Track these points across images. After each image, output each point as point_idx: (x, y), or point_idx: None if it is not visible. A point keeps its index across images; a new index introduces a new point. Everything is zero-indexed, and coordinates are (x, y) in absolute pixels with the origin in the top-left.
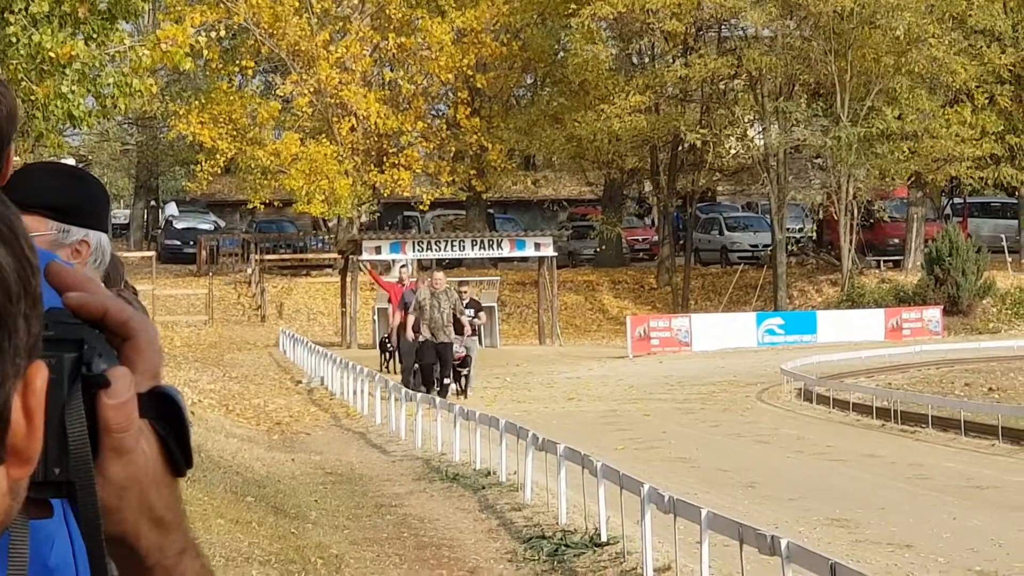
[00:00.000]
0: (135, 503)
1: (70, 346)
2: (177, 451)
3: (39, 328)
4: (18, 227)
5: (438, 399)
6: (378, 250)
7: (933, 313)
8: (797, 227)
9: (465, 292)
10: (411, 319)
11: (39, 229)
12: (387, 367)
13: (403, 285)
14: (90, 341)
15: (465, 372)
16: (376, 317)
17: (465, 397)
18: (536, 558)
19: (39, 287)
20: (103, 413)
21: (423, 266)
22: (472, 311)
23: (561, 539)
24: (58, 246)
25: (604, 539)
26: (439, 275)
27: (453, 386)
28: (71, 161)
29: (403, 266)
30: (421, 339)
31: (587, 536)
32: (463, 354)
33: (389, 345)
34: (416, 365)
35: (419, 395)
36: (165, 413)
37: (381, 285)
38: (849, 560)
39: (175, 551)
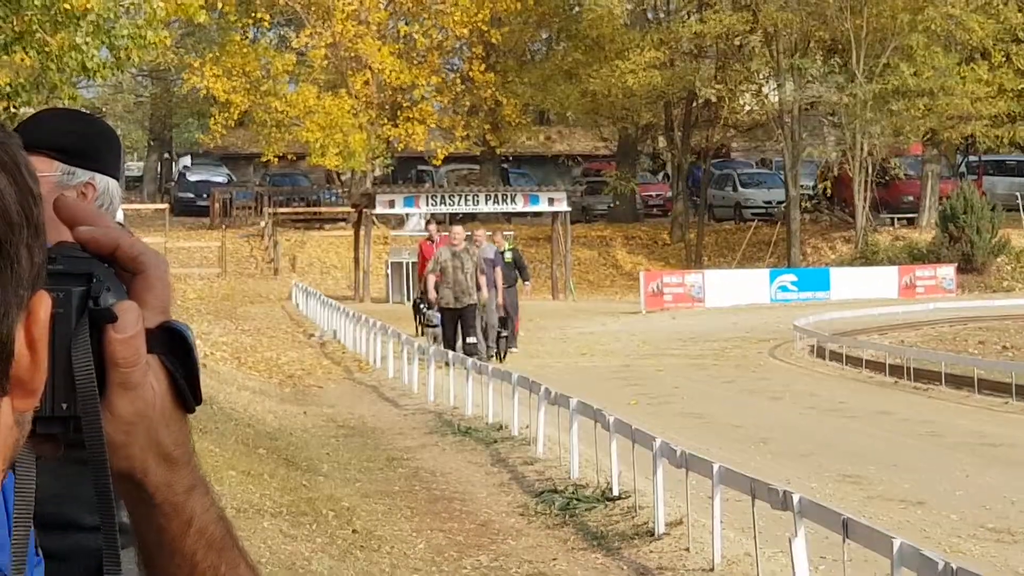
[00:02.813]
0: (143, 439)
1: (78, 280)
2: (186, 387)
3: (42, 258)
4: (19, 155)
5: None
6: (391, 204)
7: (947, 271)
8: (809, 184)
9: (495, 242)
10: (431, 281)
11: (44, 170)
12: (422, 331)
13: (433, 242)
14: (99, 275)
15: (505, 334)
16: (389, 271)
17: (501, 361)
18: (548, 512)
19: (42, 216)
20: (110, 347)
21: (437, 220)
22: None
23: (573, 493)
24: (63, 187)
25: (616, 493)
26: (457, 229)
27: (484, 349)
28: None
29: (429, 220)
30: (443, 304)
31: (599, 490)
32: (501, 314)
33: (423, 307)
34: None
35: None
36: (174, 349)
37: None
38: (861, 516)
39: (184, 488)
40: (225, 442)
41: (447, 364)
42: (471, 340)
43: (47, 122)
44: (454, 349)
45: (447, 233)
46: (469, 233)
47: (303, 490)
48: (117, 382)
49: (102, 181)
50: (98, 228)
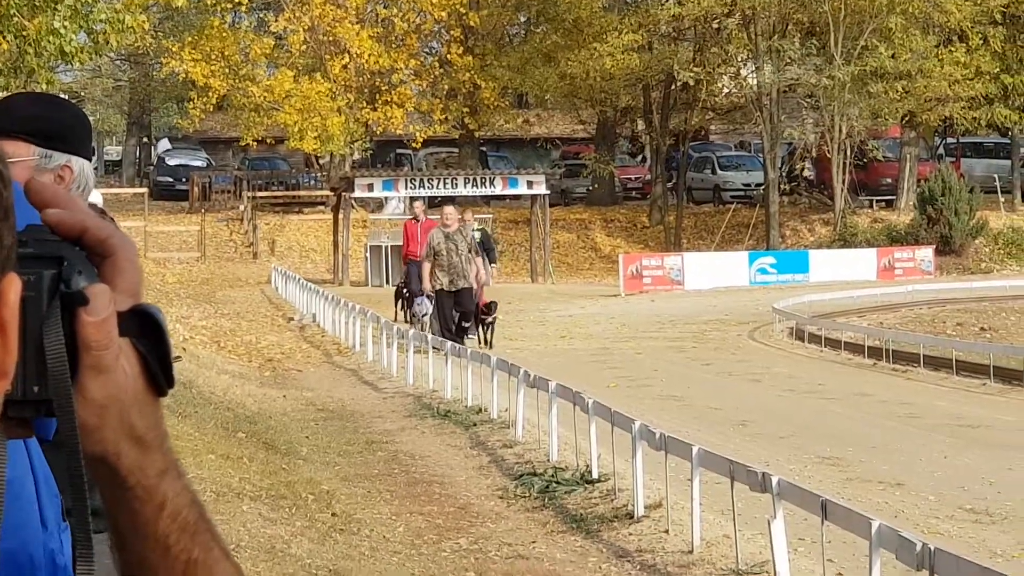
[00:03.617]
0: (115, 422)
1: (49, 263)
2: (158, 370)
3: (11, 240)
4: None
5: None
6: (370, 187)
7: (925, 253)
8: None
9: (471, 223)
10: (427, 268)
11: (22, 154)
12: (407, 318)
13: (418, 222)
14: (70, 258)
15: (491, 319)
16: (368, 254)
17: (490, 347)
18: (527, 495)
19: (11, 198)
20: (82, 330)
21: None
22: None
23: (552, 476)
24: (41, 171)
25: (595, 476)
26: (450, 210)
27: (473, 336)
28: None
29: (414, 200)
30: (438, 287)
31: (578, 473)
32: (487, 300)
33: (406, 292)
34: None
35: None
36: (146, 332)
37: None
38: (840, 498)
39: (157, 471)
40: (204, 426)
41: (429, 348)
42: (467, 324)
43: (21, 107)
44: (451, 331)
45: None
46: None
47: (282, 473)
48: (89, 365)
49: (78, 163)
50: (66, 211)
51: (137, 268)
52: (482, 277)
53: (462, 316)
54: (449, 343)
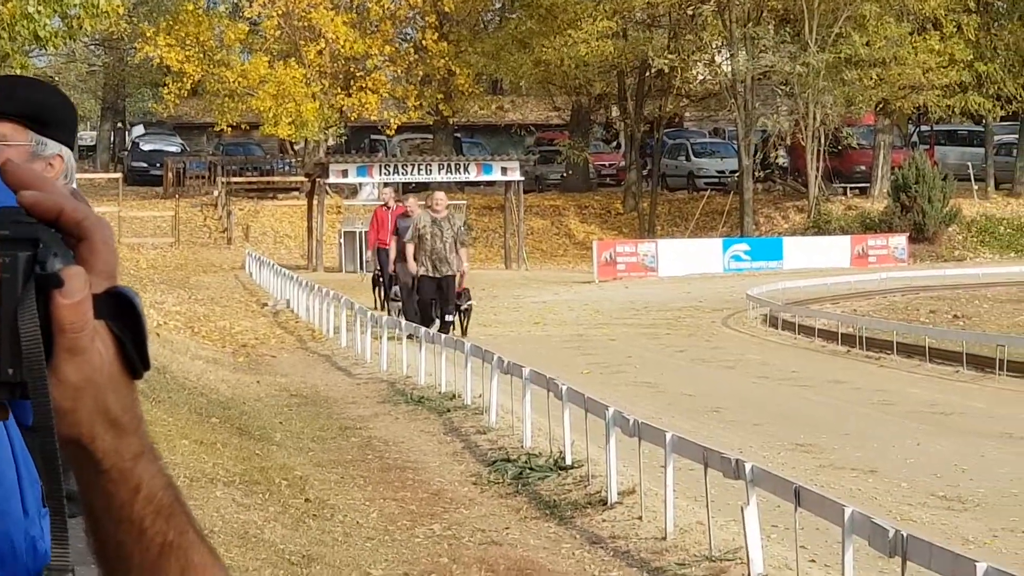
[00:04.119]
0: (90, 405)
1: (24, 245)
2: (134, 353)
3: None
4: None
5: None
6: (344, 173)
7: (899, 240)
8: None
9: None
10: (410, 249)
11: (19, 138)
12: (384, 305)
13: (389, 209)
14: (46, 241)
15: (466, 307)
16: (342, 240)
17: (465, 335)
18: (500, 481)
19: None
20: (57, 312)
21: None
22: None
23: (526, 462)
24: (35, 157)
25: (569, 462)
26: (440, 195)
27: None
28: None
29: (386, 187)
30: (421, 272)
31: (552, 459)
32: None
33: (383, 279)
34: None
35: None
36: (122, 314)
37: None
38: (813, 484)
39: (132, 454)
40: (178, 411)
41: (403, 334)
42: (450, 318)
43: (22, 90)
44: (431, 318)
45: (402, 203)
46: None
47: (256, 459)
48: (64, 348)
49: (67, 153)
50: (42, 193)
51: (113, 250)
52: (464, 267)
53: (444, 308)
54: (423, 329)
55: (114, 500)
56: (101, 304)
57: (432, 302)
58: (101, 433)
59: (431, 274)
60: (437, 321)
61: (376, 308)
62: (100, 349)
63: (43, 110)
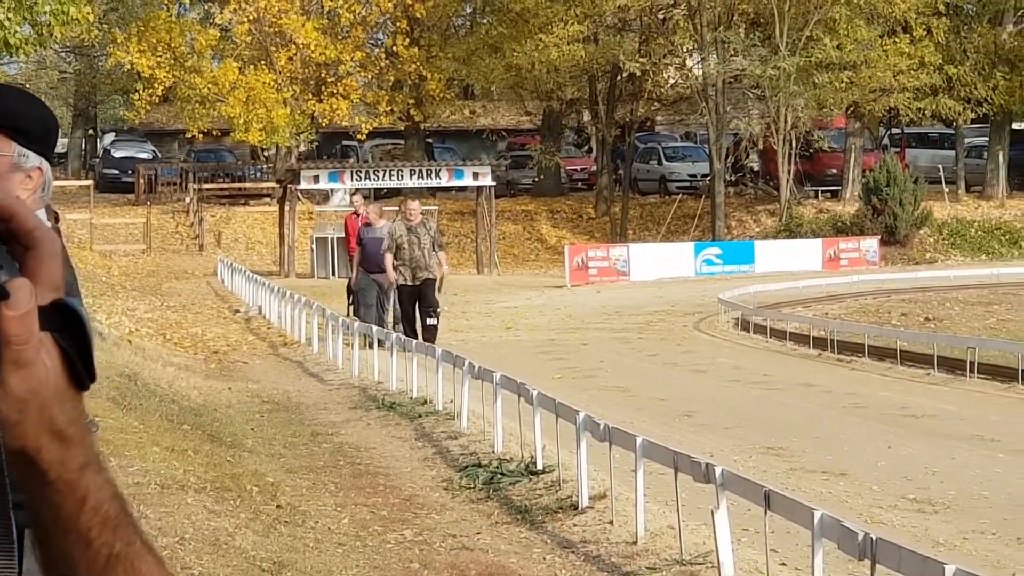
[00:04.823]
0: (36, 417)
1: None
2: (80, 365)
3: None
4: None
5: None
6: (316, 179)
7: (870, 243)
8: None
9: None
10: (388, 259)
11: (3, 149)
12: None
13: (358, 216)
14: None
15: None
16: (314, 246)
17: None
18: (472, 486)
19: None
20: (3, 325)
21: (363, 195)
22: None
23: (497, 467)
24: (16, 169)
25: (540, 467)
26: (414, 205)
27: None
28: None
29: (355, 193)
30: (400, 282)
31: (523, 464)
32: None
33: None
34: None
35: (359, 326)
36: (68, 326)
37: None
38: (784, 488)
39: (77, 465)
40: (149, 418)
41: (375, 340)
42: (431, 322)
43: (7, 100)
44: (412, 327)
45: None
46: (366, 209)
47: (227, 465)
48: (10, 360)
49: (46, 166)
50: None
51: (59, 262)
52: (444, 271)
53: (425, 312)
54: (394, 335)
55: (60, 511)
56: (47, 316)
57: (414, 311)
58: (47, 445)
59: (410, 282)
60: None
61: (349, 315)
62: (46, 361)
63: (28, 122)
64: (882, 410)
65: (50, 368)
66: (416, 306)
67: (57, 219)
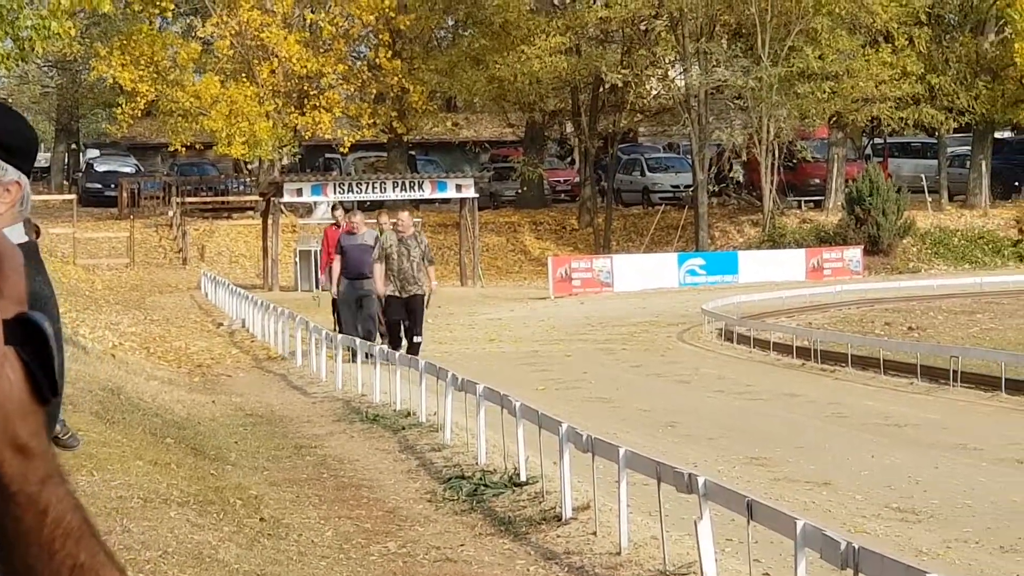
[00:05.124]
0: None
1: None
2: (42, 378)
3: None
4: None
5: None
6: (299, 192)
7: (854, 253)
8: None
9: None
10: (378, 270)
11: None
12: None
13: (339, 228)
14: None
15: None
16: (298, 259)
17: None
18: (455, 498)
19: None
20: None
21: (345, 207)
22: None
23: (480, 479)
24: None
25: (523, 479)
26: (404, 215)
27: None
28: None
29: (335, 207)
30: (388, 292)
31: (506, 476)
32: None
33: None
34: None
35: (341, 338)
36: (31, 340)
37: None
38: (767, 498)
39: (39, 478)
40: (132, 432)
41: (360, 353)
42: (417, 340)
43: None
44: (399, 340)
45: (351, 221)
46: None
47: (211, 479)
48: None
49: (24, 181)
50: None
51: (23, 276)
52: (433, 286)
53: (412, 329)
54: (377, 347)
55: (22, 524)
56: (10, 330)
57: (399, 322)
58: (8, 458)
59: (398, 294)
60: (404, 342)
61: (336, 329)
62: (8, 375)
63: (7, 136)
64: (865, 419)
65: (13, 382)
66: (401, 321)
67: (38, 233)
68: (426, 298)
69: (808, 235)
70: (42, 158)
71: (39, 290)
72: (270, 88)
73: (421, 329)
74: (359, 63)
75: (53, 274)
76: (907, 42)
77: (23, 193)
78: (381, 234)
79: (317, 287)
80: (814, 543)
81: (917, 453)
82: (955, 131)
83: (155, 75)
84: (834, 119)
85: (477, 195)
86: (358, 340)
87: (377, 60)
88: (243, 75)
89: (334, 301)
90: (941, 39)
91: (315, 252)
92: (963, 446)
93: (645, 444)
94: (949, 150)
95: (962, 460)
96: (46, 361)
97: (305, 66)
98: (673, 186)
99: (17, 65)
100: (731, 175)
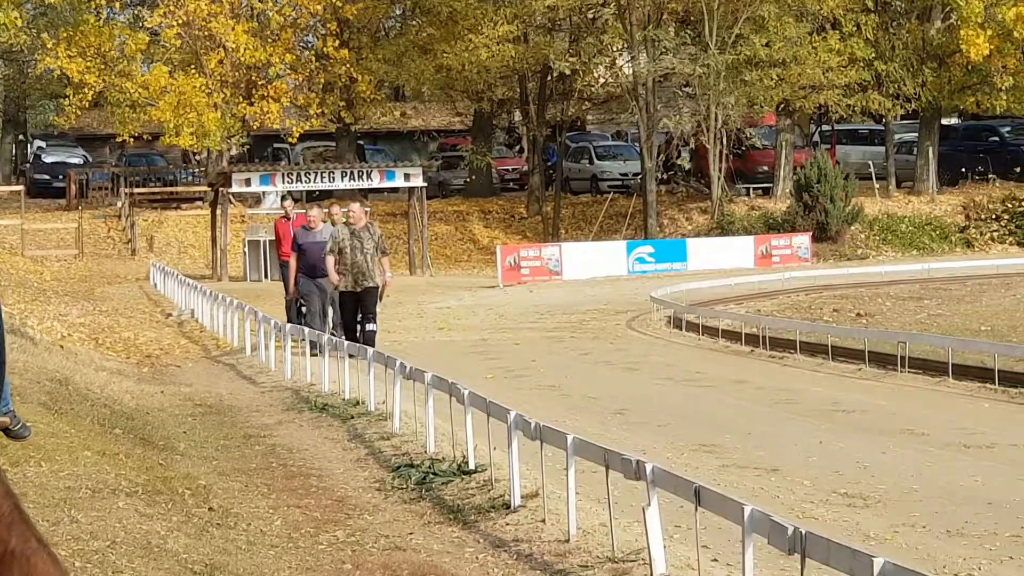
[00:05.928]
0: None
1: None
2: None
3: None
4: None
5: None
6: (248, 182)
7: (802, 240)
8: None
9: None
10: (330, 262)
11: None
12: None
13: (288, 220)
14: None
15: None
16: (247, 249)
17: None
18: (404, 487)
19: None
20: None
21: (294, 197)
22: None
23: (429, 467)
24: None
25: (472, 467)
26: (356, 207)
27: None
28: None
29: (284, 198)
30: (342, 287)
31: (455, 464)
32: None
33: (300, 304)
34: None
35: (290, 327)
36: None
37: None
38: (716, 484)
39: None
40: (81, 423)
41: (307, 343)
42: (371, 328)
43: None
44: (354, 335)
45: (303, 212)
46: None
47: (159, 469)
48: None
49: None
50: None
51: None
52: (387, 279)
53: (365, 319)
54: (326, 336)
55: None
56: None
57: (354, 318)
58: None
59: (352, 289)
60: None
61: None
62: None
63: None
64: (814, 406)
65: None
66: (355, 315)
67: None
68: (380, 291)
69: (756, 222)
70: None
71: None
72: (218, 78)
73: (375, 316)
74: (307, 53)
75: (1, 265)
76: (855, 29)
77: None
78: (333, 226)
79: (267, 278)
80: (762, 529)
81: (865, 439)
82: (902, 118)
83: (103, 66)
84: (782, 106)
85: (425, 184)
86: (306, 330)
87: (325, 50)
88: (191, 65)
89: (288, 304)
90: (888, 26)
91: (264, 242)
92: (910, 431)
93: (594, 432)
94: (896, 137)
95: (910, 445)
96: None
97: (253, 56)
98: (622, 174)
99: None
100: (679, 163)
